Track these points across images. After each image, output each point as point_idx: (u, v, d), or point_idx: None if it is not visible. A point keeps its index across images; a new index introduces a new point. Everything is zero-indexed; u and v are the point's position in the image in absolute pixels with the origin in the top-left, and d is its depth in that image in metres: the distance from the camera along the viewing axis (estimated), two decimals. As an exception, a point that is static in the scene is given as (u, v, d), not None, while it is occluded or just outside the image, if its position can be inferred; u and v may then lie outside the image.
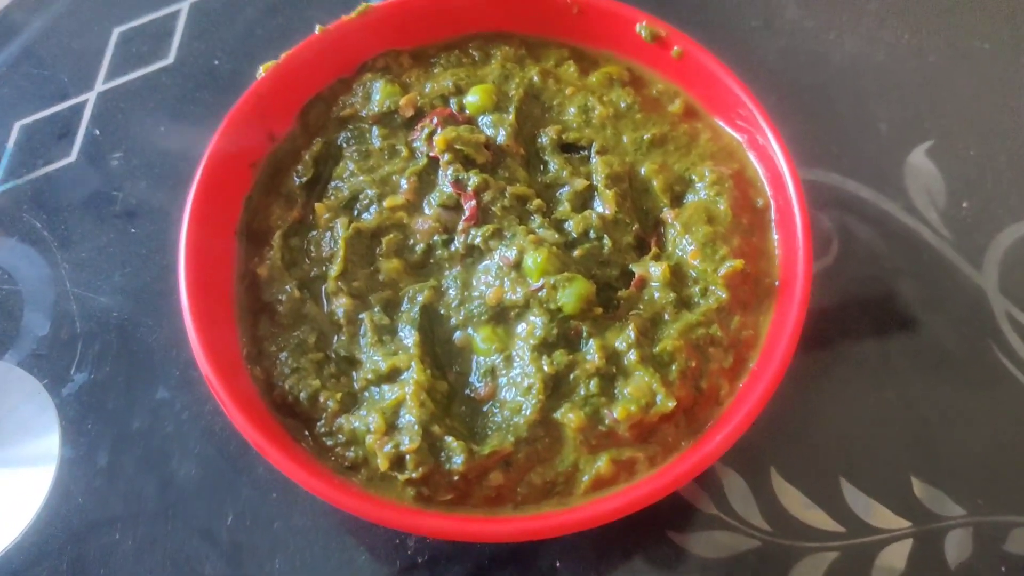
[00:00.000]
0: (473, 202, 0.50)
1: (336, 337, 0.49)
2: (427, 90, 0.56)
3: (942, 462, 0.54)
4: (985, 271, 0.61)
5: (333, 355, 0.49)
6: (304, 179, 0.54)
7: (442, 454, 0.44)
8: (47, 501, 0.53)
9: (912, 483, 0.53)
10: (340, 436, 0.46)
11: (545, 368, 0.45)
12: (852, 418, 0.55)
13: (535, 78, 0.57)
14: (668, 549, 0.51)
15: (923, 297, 0.60)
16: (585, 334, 0.47)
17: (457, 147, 0.52)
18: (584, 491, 0.45)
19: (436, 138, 0.52)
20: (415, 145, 0.54)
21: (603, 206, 0.52)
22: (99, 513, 0.53)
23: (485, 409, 0.47)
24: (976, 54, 0.71)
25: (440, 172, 0.52)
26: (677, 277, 0.50)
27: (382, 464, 0.43)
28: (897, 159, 0.65)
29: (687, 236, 0.51)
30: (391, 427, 0.44)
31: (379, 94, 0.56)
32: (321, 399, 0.47)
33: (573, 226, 0.50)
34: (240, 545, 0.51)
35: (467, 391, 0.47)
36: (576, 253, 0.49)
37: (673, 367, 0.46)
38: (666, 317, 0.48)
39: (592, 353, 0.46)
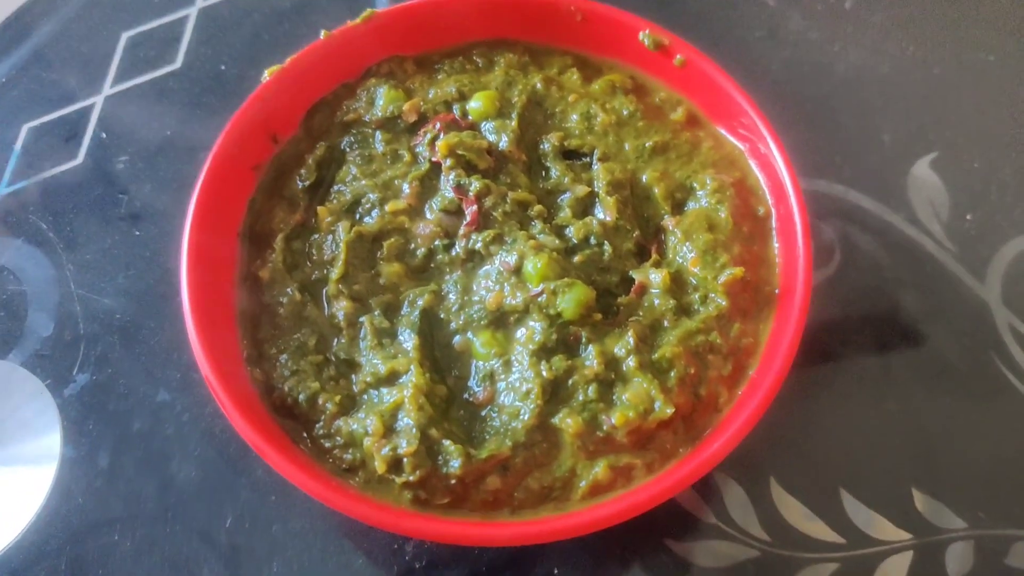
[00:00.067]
0: (474, 207, 0.51)
1: (336, 340, 0.49)
2: (430, 96, 0.56)
3: (944, 474, 0.54)
4: (988, 283, 0.60)
5: (333, 358, 0.49)
6: (307, 182, 0.54)
7: (440, 458, 0.44)
8: (47, 501, 0.53)
9: (913, 495, 0.53)
10: (338, 438, 0.46)
11: (544, 373, 0.45)
12: (853, 429, 0.55)
13: (538, 85, 0.57)
14: (666, 558, 0.51)
15: (925, 309, 0.60)
16: (584, 340, 0.47)
17: (459, 152, 0.52)
18: (581, 496, 0.44)
19: (439, 143, 0.52)
20: (418, 150, 0.54)
21: (604, 213, 0.52)
22: (99, 513, 0.53)
23: (483, 413, 0.47)
24: (981, 66, 0.71)
25: (442, 177, 0.52)
26: (677, 284, 0.50)
27: (379, 467, 0.43)
28: (901, 170, 0.65)
29: (688, 243, 0.51)
30: (389, 430, 0.44)
31: (383, 99, 0.56)
32: (320, 401, 0.47)
33: (574, 232, 0.50)
34: (238, 548, 0.51)
35: (466, 395, 0.47)
36: (576, 259, 0.50)
37: (672, 374, 0.46)
38: (665, 324, 0.48)
39: (591, 359, 0.46)
